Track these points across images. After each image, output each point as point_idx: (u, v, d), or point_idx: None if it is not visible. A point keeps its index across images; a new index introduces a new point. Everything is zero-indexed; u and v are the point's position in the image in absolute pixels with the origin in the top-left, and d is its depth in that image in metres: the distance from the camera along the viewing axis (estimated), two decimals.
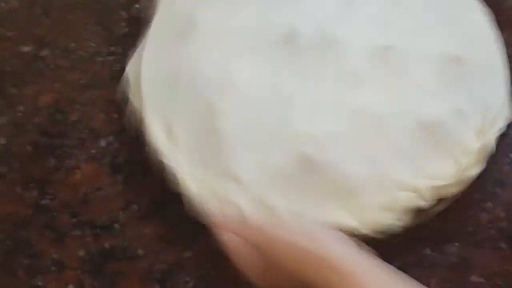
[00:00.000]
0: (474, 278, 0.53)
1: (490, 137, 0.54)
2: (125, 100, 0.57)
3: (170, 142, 0.55)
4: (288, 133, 0.55)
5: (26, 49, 0.63)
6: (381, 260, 0.42)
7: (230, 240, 0.45)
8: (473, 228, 0.54)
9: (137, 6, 0.65)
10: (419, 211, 0.52)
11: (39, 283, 0.52)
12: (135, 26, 0.63)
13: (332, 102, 0.57)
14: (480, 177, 0.54)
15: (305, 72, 0.58)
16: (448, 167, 0.53)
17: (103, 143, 0.58)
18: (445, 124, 0.55)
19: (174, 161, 0.54)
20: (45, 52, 0.62)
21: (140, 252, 0.53)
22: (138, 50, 0.61)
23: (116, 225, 0.54)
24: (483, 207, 0.55)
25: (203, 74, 0.58)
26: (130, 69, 0.60)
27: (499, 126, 0.54)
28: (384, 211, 0.52)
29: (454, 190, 0.52)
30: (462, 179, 0.52)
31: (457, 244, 0.53)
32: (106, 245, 0.53)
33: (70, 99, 0.60)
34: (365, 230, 0.51)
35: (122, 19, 0.64)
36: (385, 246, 0.46)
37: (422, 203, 0.51)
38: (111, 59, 0.62)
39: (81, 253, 0.53)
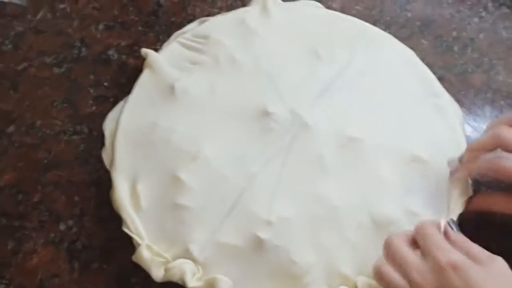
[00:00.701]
0: None
1: None
2: None
3: (133, 205, 0.57)
4: (245, 215, 0.56)
5: None
6: None
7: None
8: None
9: (105, 84, 0.66)
10: None
11: None
12: (102, 105, 0.64)
13: (293, 188, 0.58)
14: None
15: (272, 153, 0.59)
16: None
17: (62, 227, 0.58)
18: (396, 224, 0.56)
19: (134, 228, 0.55)
20: (11, 129, 0.63)
21: None
22: (117, 107, 0.63)
23: None
24: None
25: (174, 144, 0.59)
26: (107, 124, 0.62)
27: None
28: None
29: None
30: None
31: None
32: None
33: (33, 180, 0.60)
34: None
35: (90, 97, 0.65)
36: None
37: None
38: (76, 138, 0.62)
39: None
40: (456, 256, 0.46)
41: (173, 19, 0.70)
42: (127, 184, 0.58)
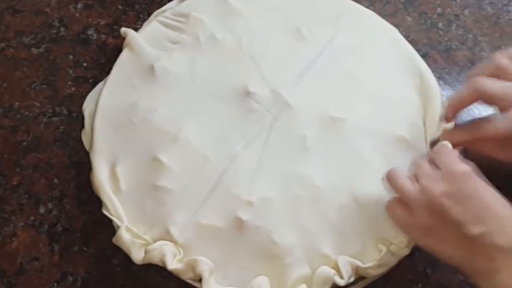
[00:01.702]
0: None
1: None
2: None
3: (113, 187, 0.56)
4: (226, 196, 0.56)
5: None
6: None
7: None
8: None
9: (85, 64, 0.65)
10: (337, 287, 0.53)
11: None
12: (82, 86, 0.63)
13: (274, 168, 0.58)
14: (412, 258, 0.55)
15: (253, 134, 0.59)
16: (372, 248, 0.54)
17: (42, 209, 0.58)
18: (378, 205, 0.56)
19: (113, 211, 0.55)
20: None
21: None
22: (97, 88, 0.62)
23: None
24: None
25: (154, 125, 0.59)
26: (86, 105, 0.61)
27: None
28: (303, 282, 0.53)
29: (374, 273, 0.53)
30: (384, 263, 0.53)
31: None
32: None
33: (12, 162, 0.60)
34: None
35: (69, 78, 0.64)
36: None
37: (339, 280, 0.52)
38: (55, 120, 0.62)
39: None
40: (466, 166, 0.48)
41: None
42: (106, 166, 0.57)
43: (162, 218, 0.55)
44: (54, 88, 0.63)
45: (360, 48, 0.64)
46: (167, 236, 0.54)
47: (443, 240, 0.47)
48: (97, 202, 0.56)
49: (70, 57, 0.65)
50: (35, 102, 0.63)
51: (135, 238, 0.53)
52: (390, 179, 0.51)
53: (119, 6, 0.68)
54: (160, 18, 0.65)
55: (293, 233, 0.55)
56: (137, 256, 0.53)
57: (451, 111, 0.55)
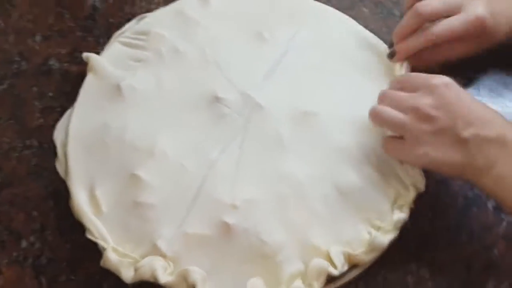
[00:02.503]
0: None
1: (405, 210, 0.55)
2: None
3: (94, 210, 0.55)
4: (209, 203, 0.55)
5: None
6: None
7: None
8: None
9: (50, 95, 0.64)
10: (332, 278, 0.53)
11: None
12: (50, 116, 0.62)
13: (254, 169, 0.58)
14: (403, 240, 0.55)
15: (228, 139, 0.59)
16: (362, 234, 0.54)
17: (24, 244, 0.56)
18: (362, 191, 0.56)
19: (97, 233, 0.54)
20: None
21: None
22: (65, 116, 0.61)
23: None
24: (407, 269, 0.56)
25: (128, 143, 0.58)
26: (57, 134, 0.60)
27: (412, 196, 0.55)
28: (298, 278, 0.53)
29: (366, 258, 0.53)
30: (375, 247, 0.53)
31: None
32: None
33: None
34: None
35: (36, 110, 0.63)
36: None
37: (333, 270, 0.52)
38: (27, 153, 0.61)
39: None
40: (443, 77, 0.52)
41: (111, 20, 0.69)
42: (85, 191, 0.56)
43: (148, 234, 0.54)
44: (22, 122, 0.62)
45: (322, 42, 0.65)
46: (155, 251, 0.53)
47: (441, 151, 0.50)
48: (79, 229, 0.55)
49: (35, 89, 0.64)
50: (4, 138, 0.61)
51: (123, 258, 0.52)
52: (375, 116, 0.54)
53: (78, 33, 0.68)
54: (121, 38, 0.65)
55: (281, 230, 0.54)
56: (127, 275, 0.52)
57: (398, 39, 0.59)
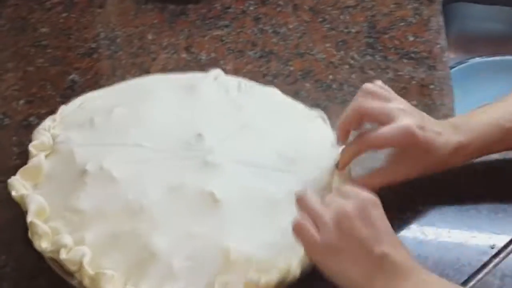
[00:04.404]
0: None
1: None
2: None
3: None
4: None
5: None
6: None
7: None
8: None
9: (27, 143, 0.71)
10: None
11: None
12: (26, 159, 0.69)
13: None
14: None
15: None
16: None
17: None
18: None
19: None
20: None
21: None
22: None
23: None
24: None
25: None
26: None
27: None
28: None
29: None
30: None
31: None
32: None
33: None
34: None
35: (14, 154, 0.70)
36: None
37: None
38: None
39: None
40: (372, 195, 0.54)
41: (88, 90, 0.78)
42: None
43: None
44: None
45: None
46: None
47: (347, 260, 0.52)
48: None
49: (14, 138, 0.72)
50: None
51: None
52: (300, 200, 0.56)
53: (58, 99, 0.78)
54: None
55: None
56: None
57: (340, 131, 0.64)
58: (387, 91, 0.63)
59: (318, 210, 0.54)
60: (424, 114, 0.63)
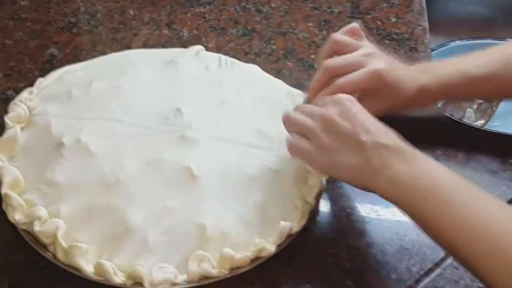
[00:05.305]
0: None
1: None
2: None
3: None
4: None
5: None
6: None
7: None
8: (321, 271, 0.59)
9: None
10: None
11: None
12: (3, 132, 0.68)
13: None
14: (323, 227, 0.61)
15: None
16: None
17: None
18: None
19: None
20: None
21: None
22: None
23: None
24: (328, 252, 0.60)
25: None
26: None
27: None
28: None
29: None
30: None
31: (308, 285, 0.58)
32: None
33: None
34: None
35: None
36: None
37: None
38: None
39: None
40: (349, 96, 0.59)
41: (67, 65, 0.77)
42: None
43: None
44: None
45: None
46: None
47: (343, 156, 0.56)
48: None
49: None
50: None
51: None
52: (287, 120, 0.60)
53: (36, 73, 0.76)
54: None
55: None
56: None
57: (312, 93, 0.65)
58: (358, 35, 0.66)
59: (304, 123, 0.58)
60: (393, 57, 0.66)
